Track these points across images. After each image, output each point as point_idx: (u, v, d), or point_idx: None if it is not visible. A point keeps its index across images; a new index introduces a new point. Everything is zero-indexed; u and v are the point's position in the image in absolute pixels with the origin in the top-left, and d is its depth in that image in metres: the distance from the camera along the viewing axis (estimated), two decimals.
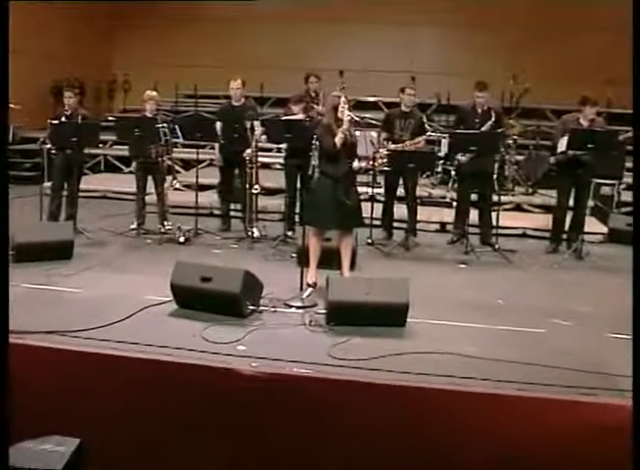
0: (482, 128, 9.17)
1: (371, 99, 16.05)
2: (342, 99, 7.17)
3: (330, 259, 7.46)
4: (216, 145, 9.95)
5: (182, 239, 9.06)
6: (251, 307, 6.39)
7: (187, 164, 13.88)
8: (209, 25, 16.95)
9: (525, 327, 6.36)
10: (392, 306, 6.13)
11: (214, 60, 16.23)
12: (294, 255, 8.35)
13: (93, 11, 16.39)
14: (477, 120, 9.29)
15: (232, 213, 10.28)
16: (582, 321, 6.61)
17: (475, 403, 5.03)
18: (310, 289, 7.14)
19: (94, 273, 7.67)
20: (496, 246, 9.09)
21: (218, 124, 9.83)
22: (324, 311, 6.33)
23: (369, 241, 9.23)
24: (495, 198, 9.67)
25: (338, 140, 7.04)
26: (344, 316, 6.14)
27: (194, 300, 6.42)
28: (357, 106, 16.43)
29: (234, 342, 5.76)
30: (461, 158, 9.32)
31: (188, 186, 12.24)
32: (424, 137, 9.60)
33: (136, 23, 17.26)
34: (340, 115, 7.10)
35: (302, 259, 7.21)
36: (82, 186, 12.07)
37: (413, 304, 6.19)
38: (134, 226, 9.73)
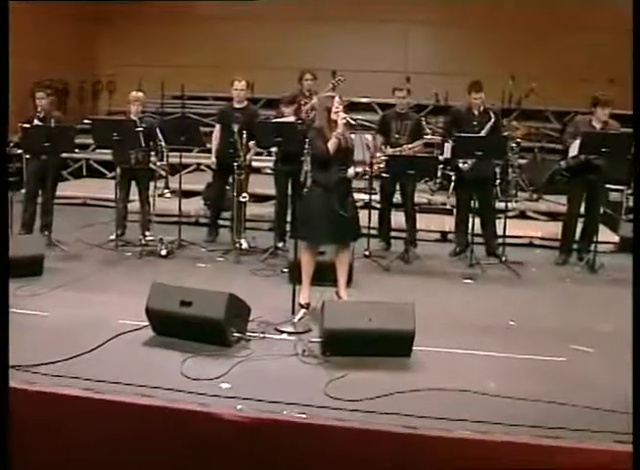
0: (483, 131, 8.40)
1: (364, 100, 15.28)
2: (337, 100, 6.42)
3: (325, 275, 6.73)
4: (213, 148, 9.16)
5: (164, 252, 8.27)
6: (237, 335, 5.61)
7: (173, 169, 13.16)
8: (197, 25, 16.11)
9: (542, 355, 5.61)
10: (397, 335, 5.36)
11: (202, 60, 15.41)
12: (285, 270, 7.58)
13: (77, 10, 15.57)
14: (474, 123, 8.52)
15: (220, 222, 9.50)
16: (603, 344, 5.88)
17: (489, 453, 4.26)
18: (303, 311, 6.37)
19: (65, 292, 6.88)
20: (503, 258, 8.34)
21: (217, 127, 9.12)
22: (319, 340, 5.55)
23: (366, 253, 8.46)
24: (498, 205, 8.93)
25: (331, 145, 6.29)
26: (342, 346, 5.36)
27: (172, 326, 5.64)
28: (350, 107, 15.75)
29: (217, 378, 4.98)
30: (463, 165, 8.53)
31: (173, 192, 11.52)
32: (423, 140, 8.85)
33: (122, 22, 16.41)
34: (333, 117, 6.35)
35: (294, 276, 6.46)
36: (61, 193, 11.39)
37: (417, 326, 5.42)
38: (113, 237, 8.96)
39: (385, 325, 5.32)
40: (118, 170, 8.76)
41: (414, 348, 5.47)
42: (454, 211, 9.95)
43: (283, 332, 5.91)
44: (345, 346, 5.35)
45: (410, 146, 8.65)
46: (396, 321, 5.35)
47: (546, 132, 13.36)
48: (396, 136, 8.74)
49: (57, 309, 6.32)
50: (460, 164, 8.60)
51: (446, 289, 7.52)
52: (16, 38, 14.17)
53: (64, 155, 9.37)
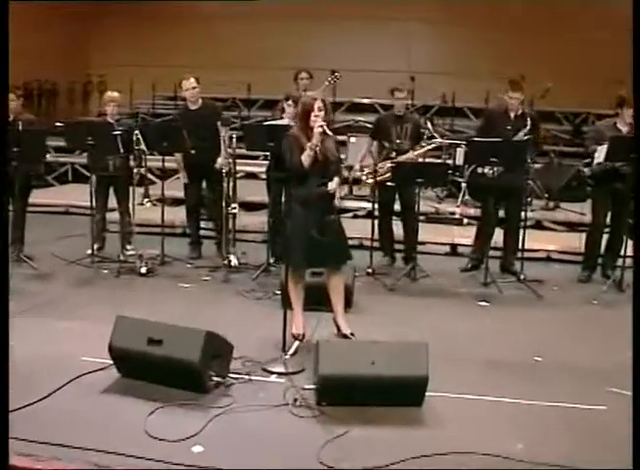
0: (517, 136, 7.39)
1: (366, 101, 14.34)
2: (318, 103, 5.43)
3: (321, 299, 5.79)
4: (177, 156, 8.21)
5: (144, 270, 7.31)
6: (216, 379, 4.63)
7: (164, 174, 12.23)
8: (190, 24, 15.24)
9: (576, 401, 4.65)
10: (406, 382, 4.38)
11: (196, 60, 14.39)
12: (277, 292, 6.62)
13: (68, 9, 14.65)
14: (509, 127, 7.46)
15: (205, 234, 8.53)
16: None
17: None
18: (297, 343, 5.43)
19: (26, 319, 5.86)
20: (521, 275, 7.38)
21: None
22: (314, 386, 4.58)
23: (369, 270, 7.49)
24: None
25: (304, 158, 5.36)
26: (340, 394, 4.40)
27: (140, 368, 4.68)
28: (351, 108, 14.90)
29: (188, 438, 4.02)
30: (488, 171, 7.53)
31: (161, 200, 10.55)
32: (436, 142, 7.88)
33: (114, 22, 15.54)
34: (311, 123, 5.39)
35: (286, 300, 5.53)
36: (42, 200, 10.56)
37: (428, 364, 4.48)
38: (91, 252, 8.02)
39: (392, 370, 4.35)
40: (94, 178, 7.82)
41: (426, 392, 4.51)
42: (464, 221, 9.06)
43: (272, 373, 4.95)
44: (344, 394, 4.39)
45: (417, 152, 7.68)
46: (406, 365, 4.37)
47: (557, 135, 12.45)
48: (397, 141, 7.76)
49: (14, 342, 5.33)
50: (486, 170, 7.60)
51: (459, 313, 6.54)
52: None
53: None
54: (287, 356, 5.12)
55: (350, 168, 9.89)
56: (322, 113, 5.38)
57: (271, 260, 7.48)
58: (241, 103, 14.95)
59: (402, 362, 4.37)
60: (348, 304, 6.34)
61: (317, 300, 5.81)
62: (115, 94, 8.07)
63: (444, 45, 15.00)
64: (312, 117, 5.36)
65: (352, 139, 10.21)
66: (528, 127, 7.37)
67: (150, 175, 11.84)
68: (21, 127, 7.55)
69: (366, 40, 14.97)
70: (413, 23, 14.75)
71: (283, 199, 7.56)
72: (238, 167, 10.62)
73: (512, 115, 7.55)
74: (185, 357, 4.48)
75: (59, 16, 14.61)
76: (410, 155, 7.64)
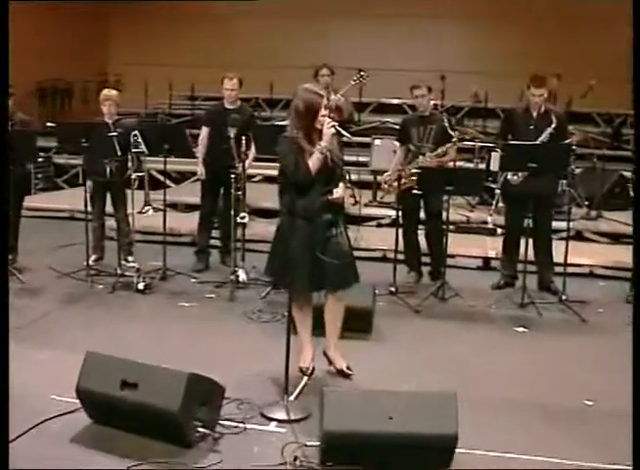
0: (541, 137, 6.54)
1: (395, 101, 13.45)
2: (326, 100, 4.57)
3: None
4: (199, 155, 7.40)
5: (141, 286, 6.50)
6: (202, 430, 3.80)
7: (182, 176, 11.49)
8: (210, 23, 14.53)
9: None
10: (431, 441, 3.51)
11: (216, 58, 13.64)
12: (286, 313, 5.77)
13: (84, 8, 13.99)
14: (531, 127, 6.63)
15: (215, 243, 7.73)
16: None
17: None
18: (304, 380, 4.59)
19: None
20: (562, 296, 6.48)
21: (204, 130, 7.37)
22: (317, 443, 3.73)
23: (392, 289, 6.61)
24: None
25: (312, 163, 4.47)
26: (350, 454, 3.54)
27: (112, 415, 3.88)
28: (379, 109, 14.04)
29: None
30: (512, 178, 6.68)
31: (174, 206, 9.79)
32: (452, 144, 6.97)
33: (129, 21, 14.90)
34: (318, 124, 4.51)
35: (291, 326, 4.69)
36: (48, 205, 9.90)
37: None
38: (90, 263, 7.26)
39: (413, 427, 3.48)
40: (89, 183, 7.07)
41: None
42: (498, 230, 8.15)
43: (271, 420, 4.12)
44: (355, 454, 3.53)
45: (434, 155, 6.77)
46: (431, 421, 3.49)
47: (595, 138, 11.48)
48: (418, 144, 6.88)
49: None
50: (509, 176, 6.75)
51: (493, 341, 5.66)
52: (19, 36, 12.78)
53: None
54: (290, 398, 4.28)
55: (375, 173, 9.08)
56: (328, 111, 4.54)
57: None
58: (264, 103, 14.21)
59: (426, 418, 3.50)
60: (367, 329, 5.52)
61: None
62: (112, 92, 7.29)
63: (476, 43, 14.05)
64: (320, 117, 4.49)
65: (377, 141, 9.35)
66: (554, 125, 6.49)
67: (163, 178, 11.18)
68: (12, 128, 6.85)
69: (394, 38, 14.11)
70: (443, 19, 13.86)
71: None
72: (255, 171, 9.97)
73: (534, 113, 6.67)
74: (163, 406, 3.65)
75: (73, 15, 13.99)
76: (428, 157, 6.75)
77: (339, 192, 4.60)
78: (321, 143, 4.47)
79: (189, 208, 9.50)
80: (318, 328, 4.88)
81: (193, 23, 14.57)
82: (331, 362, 4.86)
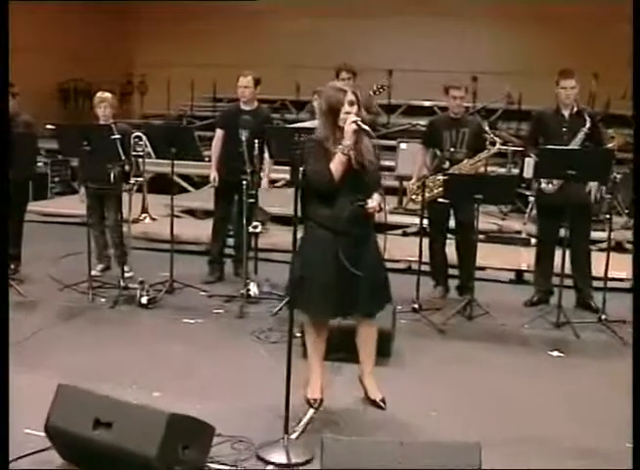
0: (575, 139, 5.95)
1: (427, 103, 12.85)
2: (349, 96, 3.99)
3: (346, 344, 4.44)
4: (213, 158, 6.89)
5: (144, 300, 5.99)
6: None
7: (203, 180, 10.99)
8: (235, 23, 14.04)
9: None
10: None
11: (241, 59, 13.14)
12: (298, 334, 5.22)
13: (105, 8, 13.59)
14: (564, 129, 6.05)
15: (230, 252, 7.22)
16: None
17: None
18: (310, 413, 4.05)
19: None
20: (602, 315, 5.86)
21: (218, 133, 6.83)
22: None
23: (415, 305, 6.02)
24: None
25: (334, 166, 3.94)
26: None
27: (83, 456, 3.36)
28: (408, 111, 13.45)
29: None
30: (546, 186, 6.09)
31: (191, 212, 9.30)
32: (489, 151, 6.38)
33: (154, 20, 14.46)
34: (340, 122, 3.97)
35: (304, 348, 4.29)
36: (60, 210, 9.46)
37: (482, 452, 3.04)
38: (94, 272, 6.80)
39: None
40: (83, 190, 6.65)
41: None
42: (532, 241, 7.53)
43: (268, 463, 3.57)
44: None
45: (472, 162, 6.22)
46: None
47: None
48: (451, 149, 6.29)
49: None
50: (543, 184, 6.16)
51: (525, 368, 5.03)
52: (40, 36, 12.46)
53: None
54: (292, 437, 3.74)
55: (401, 179, 8.51)
56: (354, 107, 3.98)
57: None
58: (290, 105, 13.71)
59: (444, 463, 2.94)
60: (386, 352, 4.94)
61: (340, 345, 4.50)
62: (106, 94, 6.79)
63: (509, 42, 13.39)
64: (342, 115, 3.96)
65: (402, 145, 8.75)
66: (588, 126, 5.89)
67: (183, 182, 10.71)
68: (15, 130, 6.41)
69: (424, 37, 13.55)
70: (474, 18, 13.21)
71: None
72: (278, 175, 9.43)
73: (566, 113, 6.08)
74: (139, 450, 3.12)
75: (97, 15, 13.61)
76: (464, 165, 6.19)
77: (373, 202, 4.02)
78: (343, 142, 3.93)
79: (207, 214, 9.01)
80: (333, 353, 4.37)
81: (220, 23, 14.10)
82: (366, 392, 4.34)
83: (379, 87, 7.24)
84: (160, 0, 13.68)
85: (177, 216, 9.18)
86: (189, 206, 9.37)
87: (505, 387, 4.67)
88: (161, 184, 10.39)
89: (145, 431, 3.15)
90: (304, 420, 3.97)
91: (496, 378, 4.81)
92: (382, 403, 4.24)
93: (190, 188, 10.66)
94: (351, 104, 3.97)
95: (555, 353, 5.30)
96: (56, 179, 10.69)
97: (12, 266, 6.84)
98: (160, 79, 13.22)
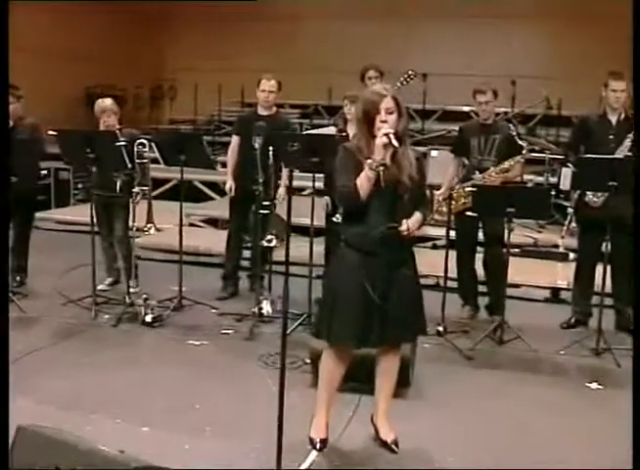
0: (621, 147, 5.40)
1: (466, 108, 12.27)
2: (387, 102, 3.46)
3: (362, 373, 3.97)
4: (229, 167, 6.45)
5: (149, 318, 5.56)
6: None
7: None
8: (265, 25, 13.57)
9: None
10: None
11: (271, 63, 12.71)
12: (307, 361, 4.74)
13: (137, 10, 13.26)
14: (611, 136, 5.51)
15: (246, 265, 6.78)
16: None
17: None
18: (312, 456, 3.58)
19: None
20: None
21: (234, 139, 6.40)
22: None
23: (439, 328, 5.47)
24: None
25: (361, 182, 3.44)
26: None
27: None
28: (444, 117, 12.89)
29: None
30: (592, 198, 5.54)
31: (213, 222, 8.86)
32: (519, 157, 5.82)
33: (184, 24, 14.10)
34: (376, 131, 3.46)
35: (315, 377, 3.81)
36: (79, 218, 9.07)
37: None
38: (103, 286, 6.42)
39: None
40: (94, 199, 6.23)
41: None
42: (570, 256, 6.99)
43: None
44: None
45: (500, 169, 5.68)
46: None
47: None
48: (479, 157, 5.77)
49: None
50: (590, 196, 5.59)
51: (560, 402, 4.49)
52: (70, 40, 12.16)
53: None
54: None
55: (431, 189, 7.98)
56: (393, 116, 3.47)
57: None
58: (323, 110, 13.27)
59: None
60: (404, 381, 4.42)
61: (356, 374, 3.97)
62: (107, 101, 6.36)
63: (550, 45, 12.75)
64: (378, 123, 3.46)
65: (433, 152, 8.24)
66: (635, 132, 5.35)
67: (208, 190, 10.30)
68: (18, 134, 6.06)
69: (460, 41, 12.98)
70: (513, 20, 12.61)
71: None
72: (302, 183, 8.95)
73: (613, 119, 5.53)
74: None
75: (125, 18, 13.27)
76: (489, 173, 5.66)
77: (410, 224, 3.51)
78: (373, 156, 3.43)
79: (228, 224, 8.59)
80: (345, 382, 3.89)
81: (250, 27, 13.74)
82: (377, 431, 3.85)
83: (406, 76, 6.72)
84: (190, 0, 13.28)
85: (198, 226, 8.86)
86: (211, 215, 8.95)
87: (536, 424, 4.14)
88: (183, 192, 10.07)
89: None
90: (306, 464, 3.49)
91: (526, 413, 4.29)
92: (394, 446, 3.73)
93: (216, 196, 10.24)
94: (389, 112, 3.45)
95: (593, 385, 4.74)
96: (79, 186, 10.33)
97: (18, 279, 6.53)
98: (190, 84, 12.85)
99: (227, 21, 13.70)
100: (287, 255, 3.72)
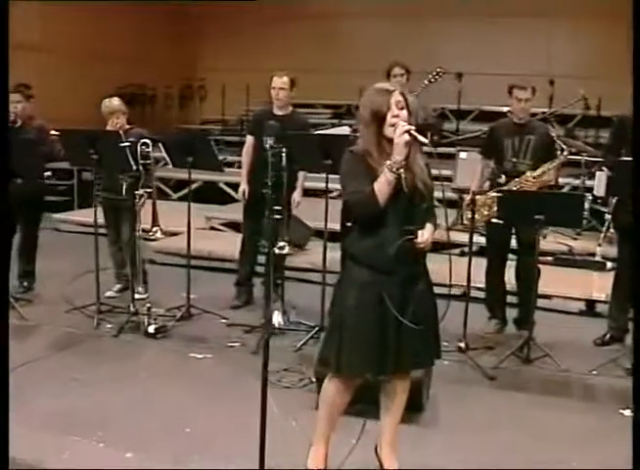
0: None
1: (505, 109, 11.76)
2: (396, 96, 3.07)
3: (369, 395, 3.50)
4: (243, 168, 6.08)
5: (152, 329, 5.22)
6: None
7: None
8: (296, 25, 13.22)
9: None
10: None
11: (304, 63, 12.33)
12: (313, 379, 4.33)
13: (167, 11, 13.01)
14: None
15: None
16: None
17: None
18: None
19: None
20: None
21: (249, 140, 6.04)
22: None
23: (461, 344, 5.03)
24: None
25: (379, 187, 3.03)
26: None
27: None
28: (480, 117, 12.38)
29: None
30: None
31: (235, 226, 8.48)
32: (557, 161, 5.36)
33: (216, 24, 13.78)
34: (387, 131, 3.06)
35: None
36: (99, 220, 8.77)
37: None
38: (111, 293, 6.11)
39: None
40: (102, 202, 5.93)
41: None
42: (608, 265, 6.50)
43: None
44: None
45: (536, 173, 5.23)
46: None
47: None
48: (513, 160, 5.31)
49: None
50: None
51: (591, 431, 4.03)
52: (97, 40, 11.94)
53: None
54: None
55: (460, 192, 7.53)
56: (404, 112, 3.07)
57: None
58: (355, 110, 12.87)
59: None
60: (417, 406, 4.01)
61: (363, 397, 3.52)
62: (114, 101, 6.02)
63: (589, 44, 12.17)
64: (390, 119, 3.06)
65: (462, 154, 7.76)
66: None
67: (233, 192, 9.94)
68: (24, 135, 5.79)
69: (497, 39, 12.46)
70: (552, 17, 12.06)
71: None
72: (331, 185, 8.55)
73: None
74: None
75: (156, 17, 13.01)
76: (527, 178, 5.21)
77: (425, 234, 3.12)
78: (392, 157, 3.02)
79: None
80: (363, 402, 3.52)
81: (284, 26, 13.37)
82: (380, 462, 3.44)
83: (434, 74, 6.30)
84: (219, 0, 12.96)
85: (218, 230, 8.51)
86: (232, 218, 8.58)
87: (563, 455, 3.70)
88: (207, 194, 9.73)
89: None
90: None
91: (553, 443, 3.84)
92: None
93: (236, 195, 9.90)
94: (400, 106, 3.06)
95: (627, 413, 4.25)
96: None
97: (25, 284, 6.25)
98: (220, 84, 12.55)
99: (256, 21, 13.38)
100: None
